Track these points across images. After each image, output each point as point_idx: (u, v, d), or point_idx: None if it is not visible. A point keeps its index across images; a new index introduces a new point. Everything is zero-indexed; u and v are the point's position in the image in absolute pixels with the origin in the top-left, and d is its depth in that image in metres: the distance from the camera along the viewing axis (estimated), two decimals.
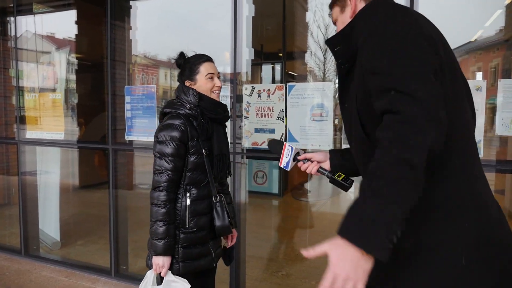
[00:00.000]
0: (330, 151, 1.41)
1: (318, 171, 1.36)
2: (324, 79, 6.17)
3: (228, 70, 3.71)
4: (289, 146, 1.41)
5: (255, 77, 6.00)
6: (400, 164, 0.81)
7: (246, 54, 2.84)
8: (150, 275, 1.67)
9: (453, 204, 0.94)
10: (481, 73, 2.73)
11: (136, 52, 3.90)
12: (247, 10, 2.73)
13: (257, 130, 2.56)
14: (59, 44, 4.39)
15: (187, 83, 1.74)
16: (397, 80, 0.88)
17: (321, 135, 2.38)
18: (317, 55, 7.76)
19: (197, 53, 1.79)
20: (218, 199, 1.72)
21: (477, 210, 0.95)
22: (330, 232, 4.29)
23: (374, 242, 0.78)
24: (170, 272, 1.65)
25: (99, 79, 5.04)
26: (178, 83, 1.77)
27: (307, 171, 1.37)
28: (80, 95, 5.13)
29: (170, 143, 1.61)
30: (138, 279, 3.09)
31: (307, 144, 2.42)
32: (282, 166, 1.43)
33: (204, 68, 1.72)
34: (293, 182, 6.02)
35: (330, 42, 1.15)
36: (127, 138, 3.03)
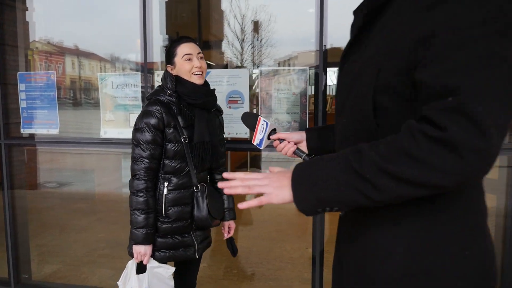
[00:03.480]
0: (306, 131, 1.29)
1: (294, 153, 1.25)
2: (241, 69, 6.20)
3: (139, 59, 3.49)
4: (264, 121, 1.27)
5: None
6: (394, 178, 0.68)
7: (160, 41, 2.69)
8: (131, 265, 1.65)
9: (459, 229, 0.77)
10: None
11: (36, 37, 3.49)
12: None
13: None
14: None
15: (168, 68, 1.71)
16: (471, 97, 0.62)
17: (238, 123, 2.34)
18: (234, 45, 7.75)
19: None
20: (200, 189, 1.68)
21: (478, 237, 0.80)
22: (257, 218, 4.30)
23: (303, 199, 0.77)
24: (152, 259, 1.65)
25: None
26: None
27: (283, 152, 1.26)
28: None
29: (145, 129, 1.59)
30: (45, 287, 2.81)
31: (225, 132, 2.37)
32: (255, 144, 1.29)
33: (180, 50, 1.68)
34: None
35: None
36: (23, 131, 2.69)
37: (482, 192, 0.83)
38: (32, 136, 2.73)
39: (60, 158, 7.76)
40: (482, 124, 0.61)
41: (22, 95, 2.65)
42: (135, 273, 1.63)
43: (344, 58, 0.93)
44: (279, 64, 6.62)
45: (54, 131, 2.61)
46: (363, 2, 0.92)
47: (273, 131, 1.28)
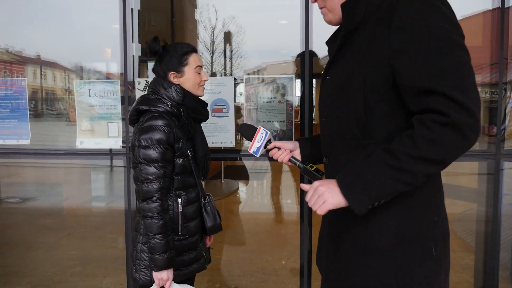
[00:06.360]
0: (298, 140, 1.41)
1: (289, 160, 1.35)
2: None
3: (111, 68, 3.37)
4: (264, 130, 1.36)
5: (141, 75, 5.64)
6: (426, 161, 0.88)
7: (133, 50, 2.63)
8: None
9: (430, 203, 1.04)
10: None
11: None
12: (132, 3, 2.53)
13: None
14: None
15: (172, 75, 1.58)
16: (449, 86, 0.85)
17: (222, 131, 2.30)
18: (204, 55, 7.70)
19: (180, 42, 1.64)
20: (207, 199, 1.68)
21: (441, 207, 1.08)
22: (234, 229, 4.22)
23: (358, 201, 0.95)
24: (172, 281, 1.58)
25: None
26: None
27: (279, 159, 1.36)
28: None
29: (157, 147, 1.47)
30: None
31: (209, 141, 2.30)
32: (251, 152, 1.37)
33: (193, 60, 1.59)
34: None
35: (345, 8, 1.06)
36: None
37: (439, 176, 1.09)
38: None
39: (20, 171, 7.35)
40: (469, 108, 0.84)
41: None
42: None
43: (326, 71, 1.15)
44: (248, 75, 6.64)
45: (25, 142, 2.46)
46: (336, 31, 1.17)
47: (269, 141, 1.38)
